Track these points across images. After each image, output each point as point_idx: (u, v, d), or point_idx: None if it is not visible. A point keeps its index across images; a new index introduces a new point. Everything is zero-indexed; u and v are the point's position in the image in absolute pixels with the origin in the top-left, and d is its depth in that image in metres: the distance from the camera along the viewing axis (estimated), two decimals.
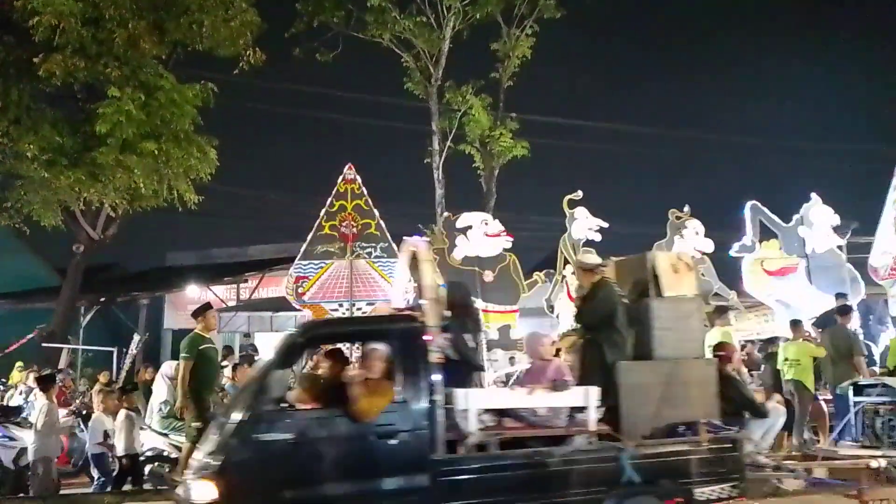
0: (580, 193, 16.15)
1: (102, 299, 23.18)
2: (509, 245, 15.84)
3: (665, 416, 6.92)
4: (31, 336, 18.35)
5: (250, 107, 30.49)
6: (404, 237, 6.86)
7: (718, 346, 9.33)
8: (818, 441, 11.18)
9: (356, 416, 6.05)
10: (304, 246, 16.63)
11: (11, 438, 11.24)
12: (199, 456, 6.24)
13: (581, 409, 6.63)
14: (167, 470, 10.50)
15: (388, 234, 16.12)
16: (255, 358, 11.70)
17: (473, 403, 6.33)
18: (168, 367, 10.09)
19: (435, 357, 6.28)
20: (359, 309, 15.21)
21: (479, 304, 14.81)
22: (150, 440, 10.90)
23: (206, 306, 9.95)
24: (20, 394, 13.77)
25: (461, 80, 23.74)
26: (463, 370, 6.86)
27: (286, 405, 6.28)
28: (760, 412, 8.34)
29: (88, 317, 22.19)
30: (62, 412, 11.49)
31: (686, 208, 16.92)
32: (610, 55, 54.65)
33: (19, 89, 15.73)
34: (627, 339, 7.33)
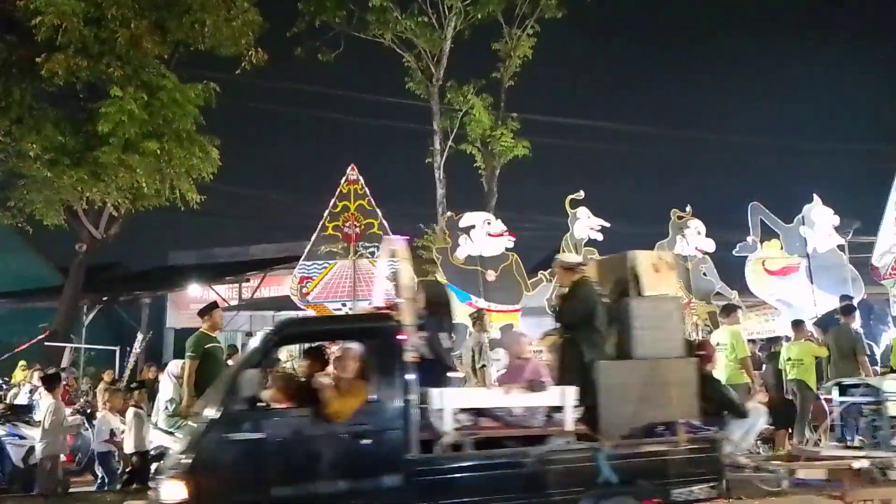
0: (582, 193, 16.16)
1: (105, 298, 23.23)
2: (512, 244, 15.85)
3: (644, 416, 6.90)
4: (41, 336, 18.40)
5: (252, 106, 30.57)
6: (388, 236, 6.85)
7: (698, 346, 9.22)
8: (819, 440, 11.20)
9: (328, 417, 6.01)
10: (308, 246, 16.67)
11: (21, 437, 11.31)
12: (173, 455, 6.22)
13: (559, 409, 6.62)
14: None
15: (390, 234, 16.14)
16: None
17: (448, 403, 6.30)
18: (174, 365, 10.13)
19: (410, 356, 6.23)
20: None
21: (481, 303, 14.83)
22: (156, 438, 10.95)
23: (213, 305, 9.97)
24: (27, 392, 13.79)
25: (462, 80, 23.71)
26: (438, 370, 6.84)
27: (259, 404, 6.21)
28: (740, 412, 8.27)
29: (91, 316, 22.22)
30: (67, 411, 11.54)
31: (688, 208, 16.93)
32: (611, 55, 54.68)
33: (22, 89, 15.77)
34: (607, 338, 7.32)
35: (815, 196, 16.45)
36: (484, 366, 11.20)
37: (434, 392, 6.32)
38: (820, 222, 16.22)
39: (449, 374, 7.17)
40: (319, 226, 16.59)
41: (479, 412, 6.57)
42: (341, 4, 23.04)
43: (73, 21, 14.74)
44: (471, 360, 11.28)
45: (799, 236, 16.16)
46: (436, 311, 7.17)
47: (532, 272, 16.64)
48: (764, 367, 12.96)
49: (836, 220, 16.30)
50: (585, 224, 16.01)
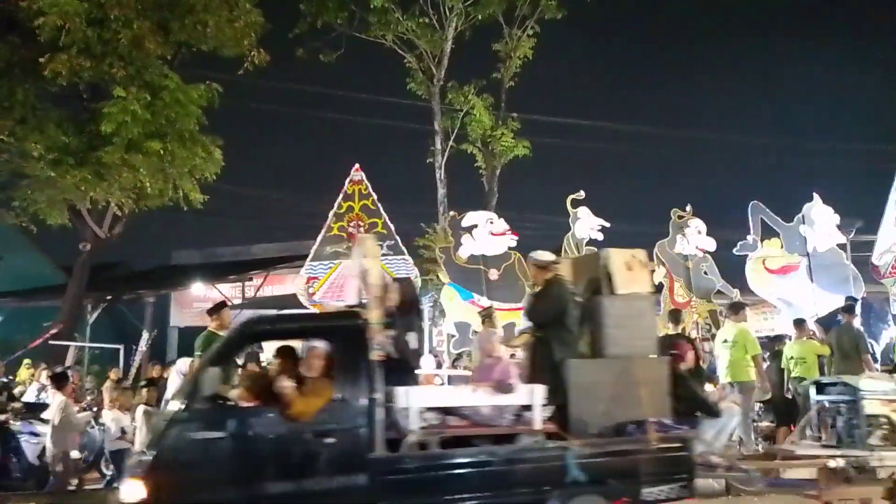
0: (583, 193, 16.23)
1: (108, 297, 23.27)
2: (514, 244, 15.93)
3: (615, 415, 6.87)
4: (52, 332, 18.45)
5: (254, 107, 30.59)
6: (360, 235, 6.77)
7: (671, 345, 9.29)
8: (821, 438, 11.24)
9: (291, 415, 5.98)
10: (314, 247, 16.75)
11: (36, 434, 11.41)
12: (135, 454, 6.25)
13: (529, 408, 6.60)
14: None
15: (394, 232, 16.23)
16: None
17: (414, 402, 6.27)
18: (183, 363, 10.22)
19: (376, 355, 6.21)
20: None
21: (484, 301, 14.89)
22: None
23: (221, 304, 10.03)
24: (35, 391, 13.88)
25: (463, 81, 23.82)
26: (405, 369, 6.81)
27: (221, 402, 6.17)
28: (713, 412, 8.20)
29: (95, 315, 22.28)
30: (75, 408, 11.65)
31: (688, 207, 16.99)
32: (611, 55, 54.65)
33: (25, 89, 15.81)
34: (580, 337, 7.33)
35: (815, 195, 16.50)
36: None
37: (400, 391, 6.29)
38: (820, 221, 16.27)
39: (414, 374, 7.14)
40: (325, 226, 16.67)
41: (447, 411, 6.52)
42: (343, 5, 23.14)
43: (75, 22, 14.77)
44: None
45: (799, 235, 16.21)
46: (408, 311, 7.14)
47: None
48: (766, 364, 13.03)
49: (837, 218, 16.35)
50: (586, 224, 16.07)
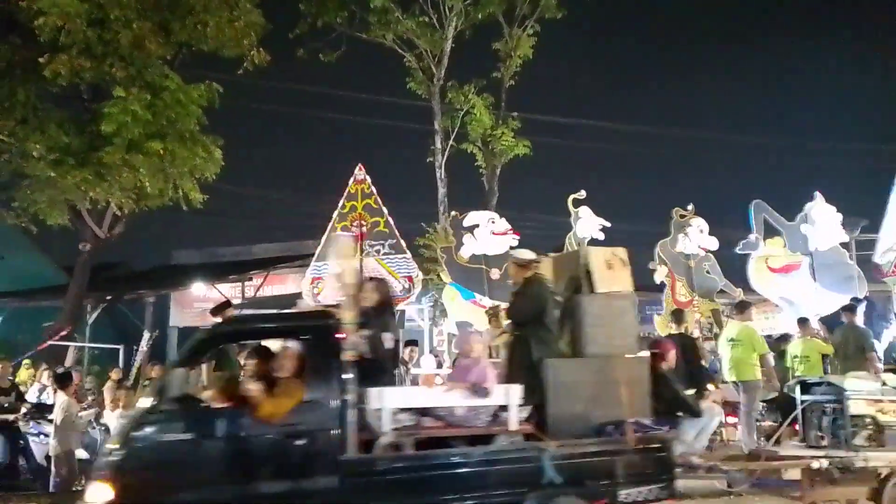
0: (584, 193, 16.22)
1: (109, 297, 23.25)
2: (516, 243, 15.91)
3: (593, 415, 6.81)
4: (63, 334, 18.44)
5: (255, 107, 30.62)
6: (334, 235, 6.65)
7: (653, 344, 9.19)
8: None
9: (260, 416, 5.92)
10: (319, 248, 16.76)
11: (45, 434, 11.42)
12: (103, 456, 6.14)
13: (506, 408, 6.54)
14: None
15: (396, 231, 16.22)
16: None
17: (387, 403, 6.20)
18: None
19: (348, 355, 6.13)
20: None
21: (486, 301, 14.88)
22: None
23: (226, 304, 10.04)
24: (36, 391, 13.87)
25: (463, 80, 23.84)
26: (380, 369, 6.75)
27: (190, 403, 6.12)
28: (694, 412, 8.14)
29: (95, 315, 22.27)
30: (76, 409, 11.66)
31: (690, 206, 16.98)
32: (611, 54, 54.67)
33: (25, 89, 15.78)
34: (559, 336, 7.28)
35: (817, 194, 16.49)
36: None
37: (373, 392, 6.22)
38: (822, 220, 16.25)
39: (390, 375, 7.07)
40: (329, 227, 16.65)
41: (422, 412, 6.46)
42: (343, 5, 23.15)
43: (76, 22, 14.75)
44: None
45: (801, 234, 16.20)
46: (382, 312, 7.09)
47: None
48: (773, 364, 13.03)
49: (839, 217, 16.33)
50: (588, 223, 16.07)
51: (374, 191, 16.42)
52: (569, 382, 6.88)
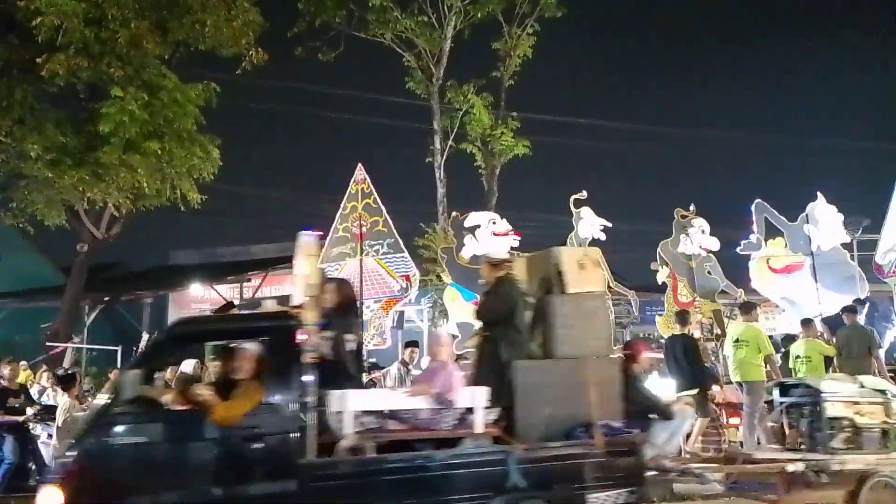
0: (585, 193, 16.16)
1: (106, 298, 23.19)
2: (517, 244, 15.85)
3: (563, 417, 6.64)
4: (75, 341, 18.39)
5: (253, 106, 30.57)
6: (299, 234, 6.46)
7: (626, 345, 9.08)
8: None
9: (217, 419, 5.79)
10: (323, 250, 16.74)
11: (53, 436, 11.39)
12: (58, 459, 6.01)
13: (472, 411, 6.41)
14: None
15: (394, 230, 16.16)
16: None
17: (348, 405, 6.08)
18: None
19: (309, 357, 5.99)
20: (368, 307, 15.27)
21: None
22: None
23: (229, 305, 9.93)
24: (36, 393, 13.79)
25: (462, 79, 23.83)
26: (342, 370, 6.63)
27: (146, 406, 5.98)
28: (666, 414, 7.94)
29: (93, 316, 22.21)
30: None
31: (692, 206, 16.92)
32: (611, 54, 54.62)
33: (23, 89, 15.74)
34: (529, 337, 7.15)
35: (818, 194, 16.43)
36: None
37: (334, 394, 6.09)
38: (824, 220, 16.19)
39: (352, 377, 6.91)
40: (332, 229, 16.64)
41: (386, 415, 6.34)
42: (341, 4, 23.10)
43: (73, 21, 14.73)
44: None
45: (803, 234, 16.13)
46: (344, 312, 6.97)
47: None
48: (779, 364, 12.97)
49: (841, 217, 16.27)
50: (589, 223, 16.01)
51: (374, 190, 16.36)
52: (537, 384, 6.74)
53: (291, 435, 5.84)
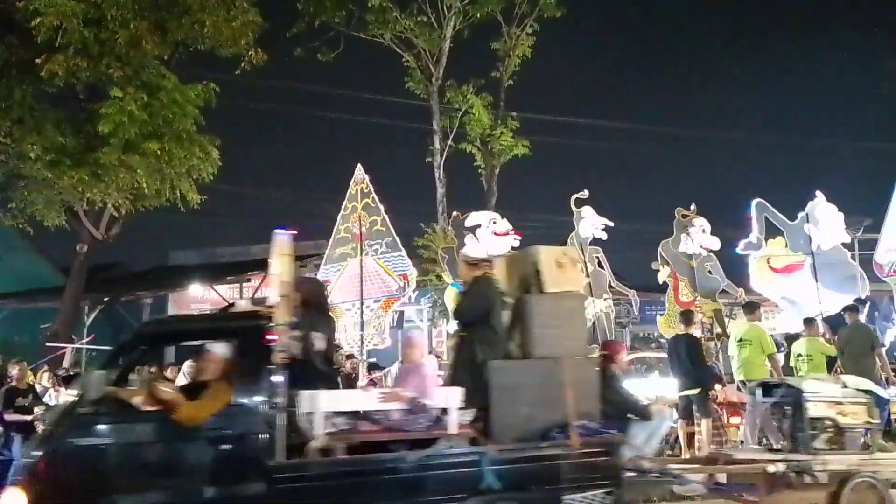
0: (586, 193, 16.15)
1: (106, 299, 23.21)
2: (517, 243, 15.84)
3: (539, 418, 6.54)
4: (86, 341, 18.36)
5: (252, 107, 30.58)
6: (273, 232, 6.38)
7: (603, 345, 8.99)
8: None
9: (184, 420, 5.70)
10: (327, 251, 16.81)
11: None
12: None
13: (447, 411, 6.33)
14: None
15: (392, 229, 16.16)
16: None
17: (319, 406, 5.97)
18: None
19: (278, 357, 5.92)
20: (368, 307, 15.28)
21: None
22: None
23: (231, 307, 9.92)
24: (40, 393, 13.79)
25: (462, 80, 23.76)
26: (311, 370, 6.52)
27: (113, 406, 5.83)
28: (644, 414, 7.84)
29: (92, 316, 22.20)
30: None
31: (692, 206, 16.91)
32: (611, 53, 54.67)
33: (22, 90, 15.75)
34: (507, 337, 7.07)
35: (818, 193, 16.42)
36: None
37: (304, 395, 6.00)
38: (824, 220, 16.18)
39: (324, 376, 6.78)
40: (334, 229, 16.67)
41: (359, 416, 6.25)
42: (340, 4, 23.05)
43: (72, 22, 14.74)
44: None
45: (803, 234, 16.12)
46: (311, 310, 6.83)
47: None
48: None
49: (841, 217, 16.27)
50: (590, 223, 15.99)
51: (372, 189, 16.37)
52: (513, 384, 6.64)
53: (260, 436, 5.76)
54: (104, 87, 15.80)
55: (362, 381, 13.57)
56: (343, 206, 16.59)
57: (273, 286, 6.43)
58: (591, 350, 7.80)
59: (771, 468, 7.71)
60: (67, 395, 11.04)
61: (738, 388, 11.60)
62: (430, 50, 23.37)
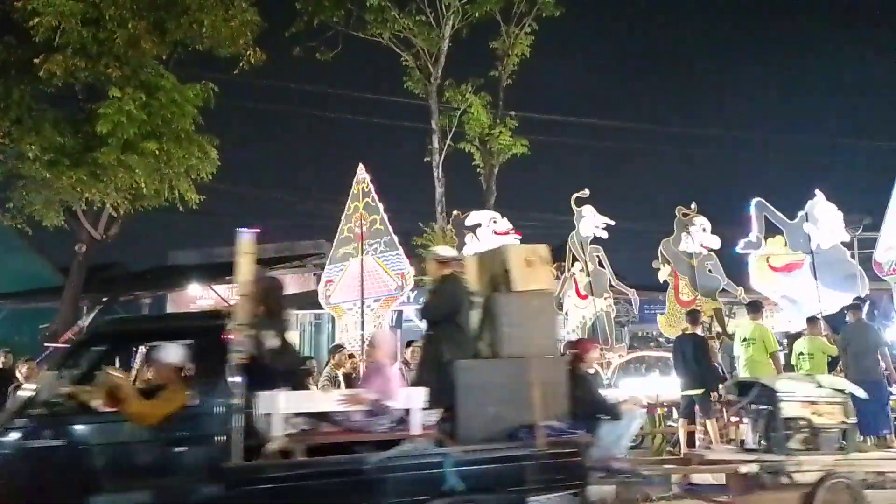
0: (587, 192, 16.16)
1: (105, 299, 23.17)
2: (518, 243, 15.85)
3: (506, 418, 6.43)
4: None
5: (251, 106, 30.55)
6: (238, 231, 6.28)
7: (573, 344, 8.90)
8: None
9: (137, 422, 5.63)
10: (331, 251, 16.86)
11: None
12: None
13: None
14: None
15: (390, 228, 16.16)
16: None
17: (278, 407, 5.89)
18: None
19: (236, 357, 5.85)
20: (368, 307, 15.29)
21: None
22: None
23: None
24: None
25: (461, 79, 23.81)
26: (266, 371, 6.34)
27: (65, 408, 5.76)
28: (614, 414, 7.74)
29: (91, 316, 22.14)
30: None
31: (693, 205, 16.92)
32: (610, 52, 54.69)
33: (20, 90, 15.68)
34: (473, 336, 7.02)
35: (817, 192, 16.45)
36: None
37: (262, 396, 5.93)
38: (823, 218, 16.23)
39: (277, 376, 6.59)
40: (339, 229, 16.70)
41: (320, 417, 6.18)
42: (339, 4, 23.05)
43: (71, 22, 14.70)
44: None
45: (803, 233, 16.16)
46: (266, 309, 6.70)
47: None
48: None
49: (840, 215, 16.31)
50: (591, 222, 16.01)
51: (372, 188, 16.39)
52: (479, 384, 6.56)
53: (217, 438, 5.70)
54: (103, 87, 15.74)
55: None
56: (346, 206, 16.63)
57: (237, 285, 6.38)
58: (558, 349, 7.69)
59: (743, 469, 7.66)
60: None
61: None
62: (429, 49, 23.39)
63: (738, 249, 16.45)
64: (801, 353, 11.90)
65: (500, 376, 6.66)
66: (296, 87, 33.23)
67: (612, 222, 16.13)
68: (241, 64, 17.70)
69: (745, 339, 11.41)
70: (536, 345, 6.91)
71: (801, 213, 16.39)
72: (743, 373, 11.37)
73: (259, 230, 6.67)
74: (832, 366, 11.83)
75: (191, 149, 16.23)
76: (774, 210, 16.37)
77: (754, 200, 16.35)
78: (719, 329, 15.69)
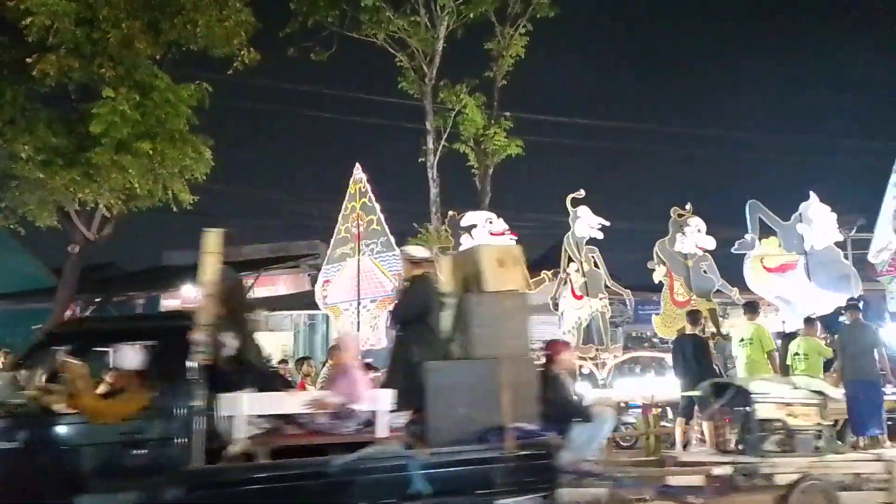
0: (582, 192, 16.16)
1: (98, 299, 23.12)
2: (513, 243, 15.83)
3: (476, 420, 6.38)
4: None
5: (245, 107, 30.50)
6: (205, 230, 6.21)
7: (546, 345, 8.80)
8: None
9: (86, 413, 5.58)
10: (329, 251, 16.84)
11: None
12: None
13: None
14: None
15: (387, 229, 16.14)
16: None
17: (241, 409, 5.83)
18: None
19: (198, 358, 5.78)
20: (365, 307, 15.27)
21: None
22: None
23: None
24: None
25: (455, 80, 23.76)
26: (233, 373, 6.29)
27: (20, 410, 5.70)
28: (585, 416, 7.71)
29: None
30: None
31: (688, 206, 16.93)
32: (604, 53, 54.72)
33: (13, 90, 15.59)
34: (444, 337, 6.98)
35: (811, 193, 16.49)
36: None
37: (224, 398, 5.87)
38: (817, 220, 16.27)
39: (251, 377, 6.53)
40: (336, 230, 16.69)
41: (287, 419, 6.14)
42: (334, 4, 23.03)
43: (64, 21, 14.63)
44: None
45: (797, 234, 16.20)
46: (228, 308, 6.54)
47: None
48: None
49: (834, 217, 16.35)
50: (586, 223, 16.01)
51: (369, 189, 16.37)
52: (450, 386, 6.49)
53: (178, 440, 5.64)
54: (96, 87, 15.67)
55: None
56: (343, 206, 16.64)
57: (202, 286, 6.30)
58: (530, 350, 7.66)
59: (717, 471, 7.64)
60: None
61: None
62: (424, 50, 23.38)
63: (733, 250, 16.48)
64: (797, 354, 11.92)
65: (470, 377, 6.61)
66: (290, 87, 33.21)
67: (608, 223, 16.13)
68: (235, 64, 17.64)
69: (743, 340, 11.44)
70: (508, 346, 6.85)
71: (794, 215, 16.44)
72: (742, 373, 11.41)
73: (225, 230, 6.59)
74: (827, 367, 11.84)
75: (185, 149, 16.16)
76: (768, 211, 16.40)
77: (748, 202, 16.39)
78: (714, 330, 15.69)
